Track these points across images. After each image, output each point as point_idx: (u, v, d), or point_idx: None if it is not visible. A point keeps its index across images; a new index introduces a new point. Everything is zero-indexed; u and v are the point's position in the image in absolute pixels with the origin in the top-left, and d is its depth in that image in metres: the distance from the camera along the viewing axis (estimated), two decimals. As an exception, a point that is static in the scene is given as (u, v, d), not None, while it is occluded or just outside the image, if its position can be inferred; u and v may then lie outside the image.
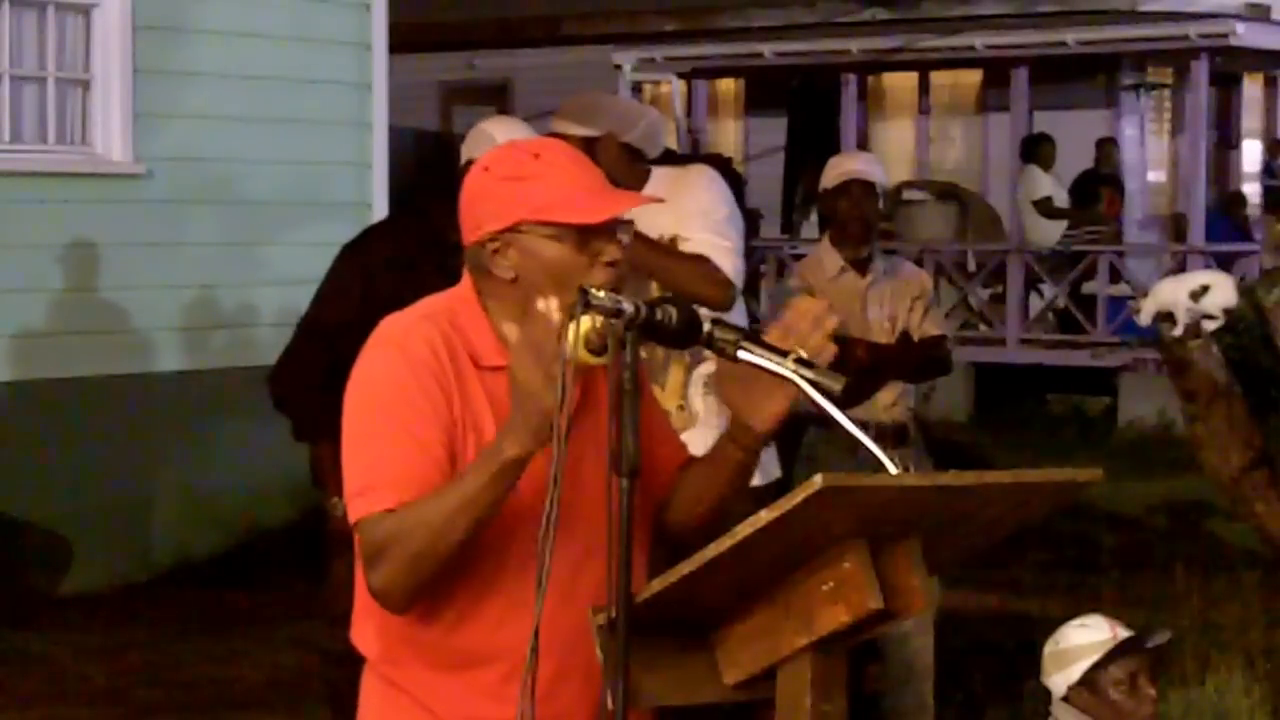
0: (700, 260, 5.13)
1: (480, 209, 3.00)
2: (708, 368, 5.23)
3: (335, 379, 5.28)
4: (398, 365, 2.95)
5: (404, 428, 2.91)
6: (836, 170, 6.36)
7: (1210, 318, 6.02)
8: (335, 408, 5.27)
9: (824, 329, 2.92)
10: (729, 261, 5.16)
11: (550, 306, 2.75)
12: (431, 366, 2.95)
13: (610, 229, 2.97)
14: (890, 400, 6.25)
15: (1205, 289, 6.02)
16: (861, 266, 6.32)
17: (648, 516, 3.09)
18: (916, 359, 6.31)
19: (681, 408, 5.33)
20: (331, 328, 5.35)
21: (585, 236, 2.95)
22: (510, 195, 2.97)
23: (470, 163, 5.33)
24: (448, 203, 5.32)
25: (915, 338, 6.31)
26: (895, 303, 6.33)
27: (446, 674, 3.01)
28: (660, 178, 5.29)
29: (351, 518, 2.94)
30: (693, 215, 5.18)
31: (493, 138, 5.36)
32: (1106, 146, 17.68)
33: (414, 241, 5.37)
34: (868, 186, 6.29)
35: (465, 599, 2.97)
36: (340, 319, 5.32)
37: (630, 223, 3.02)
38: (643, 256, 5.04)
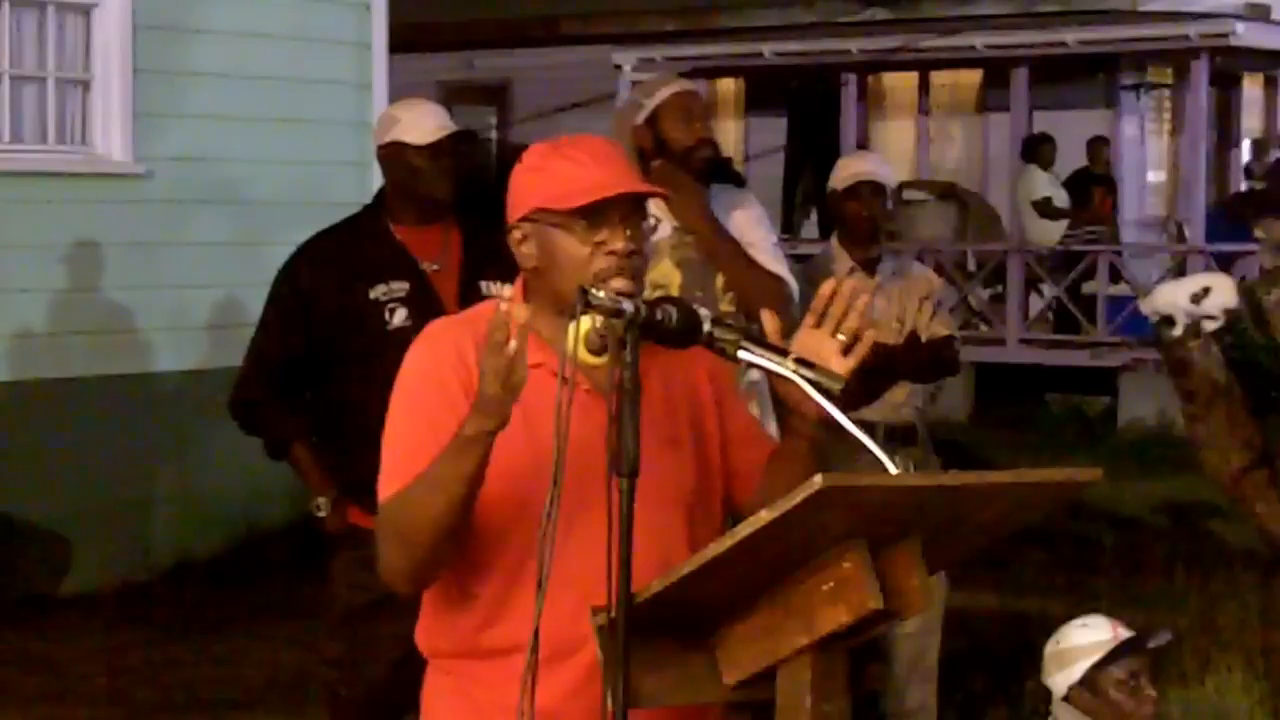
0: (775, 279, 5.26)
1: (510, 201, 3.09)
2: (756, 374, 5.27)
3: (293, 389, 5.32)
4: (424, 363, 3.06)
5: (420, 420, 2.99)
6: (846, 171, 6.34)
7: (1210, 318, 6.01)
8: (299, 408, 5.32)
9: (858, 309, 2.98)
10: (790, 286, 5.37)
11: (511, 308, 2.79)
12: (454, 365, 3.03)
13: (617, 218, 3.00)
14: (899, 400, 6.23)
15: (1206, 291, 6.01)
16: (870, 267, 6.30)
17: (717, 522, 3.16)
18: (925, 359, 6.29)
19: None
20: (279, 364, 5.31)
21: (592, 225, 2.99)
22: (528, 186, 3.05)
23: (383, 146, 5.34)
24: (396, 197, 5.34)
25: (923, 338, 6.30)
26: (903, 303, 6.32)
27: (486, 661, 3.07)
28: (716, 192, 5.41)
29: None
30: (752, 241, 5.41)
31: (397, 120, 5.35)
32: (1098, 146, 17.69)
33: (351, 246, 5.31)
34: (877, 188, 6.27)
35: (501, 590, 3.04)
36: (286, 355, 5.29)
37: (649, 217, 3.05)
38: (722, 257, 5.28)
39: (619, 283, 2.94)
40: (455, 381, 3.02)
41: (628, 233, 3.00)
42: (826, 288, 3.00)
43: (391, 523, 2.97)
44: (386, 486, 3.01)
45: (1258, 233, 17.67)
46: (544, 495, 2.87)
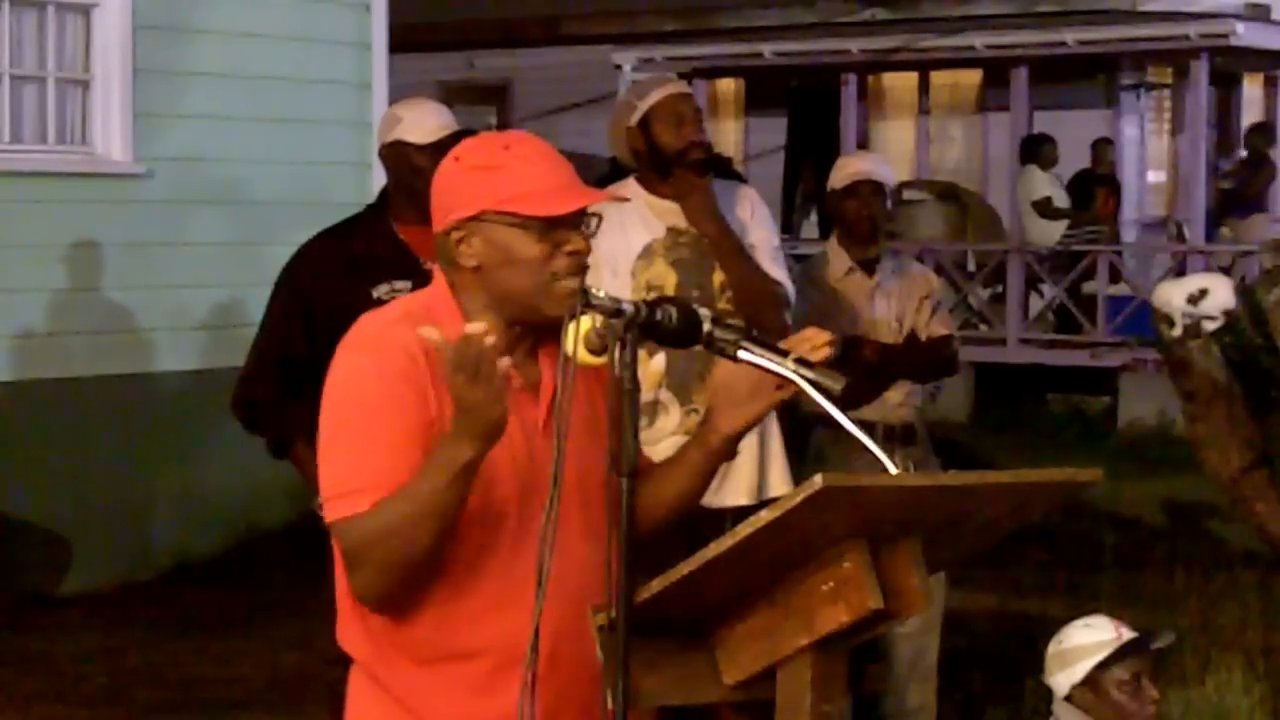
0: (772, 283, 5.28)
1: (448, 198, 3.02)
2: None
3: (296, 388, 5.32)
4: (370, 369, 2.94)
5: (377, 431, 2.90)
6: (845, 171, 6.34)
7: (1210, 319, 6.02)
8: (302, 407, 5.31)
9: (819, 356, 2.94)
10: (785, 290, 5.39)
11: (478, 328, 2.74)
12: (404, 368, 2.94)
13: (574, 221, 2.99)
14: (898, 400, 6.22)
15: (1204, 292, 6.02)
16: (869, 267, 6.30)
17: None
18: (923, 359, 6.29)
19: None
20: (282, 362, 5.32)
21: (549, 227, 2.96)
22: (477, 184, 2.98)
23: (386, 146, 5.35)
24: (399, 196, 5.35)
25: (922, 337, 6.30)
26: (903, 302, 6.31)
27: (433, 670, 3.00)
28: (717, 189, 5.41)
29: (327, 520, 2.96)
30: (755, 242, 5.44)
31: (400, 119, 5.36)
32: (1101, 146, 17.69)
33: (354, 245, 5.33)
34: (876, 187, 6.26)
35: (450, 595, 2.97)
36: (289, 354, 5.30)
37: (597, 216, 3.04)
38: (726, 256, 5.27)
39: (574, 281, 2.94)
40: (407, 386, 2.92)
41: (584, 230, 3.01)
42: (808, 331, 3.00)
43: (375, 547, 2.87)
44: (349, 504, 2.89)
45: (1224, 232, 17.61)
46: (497, 498, 2.90)
